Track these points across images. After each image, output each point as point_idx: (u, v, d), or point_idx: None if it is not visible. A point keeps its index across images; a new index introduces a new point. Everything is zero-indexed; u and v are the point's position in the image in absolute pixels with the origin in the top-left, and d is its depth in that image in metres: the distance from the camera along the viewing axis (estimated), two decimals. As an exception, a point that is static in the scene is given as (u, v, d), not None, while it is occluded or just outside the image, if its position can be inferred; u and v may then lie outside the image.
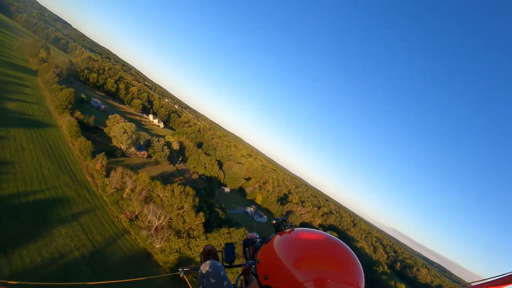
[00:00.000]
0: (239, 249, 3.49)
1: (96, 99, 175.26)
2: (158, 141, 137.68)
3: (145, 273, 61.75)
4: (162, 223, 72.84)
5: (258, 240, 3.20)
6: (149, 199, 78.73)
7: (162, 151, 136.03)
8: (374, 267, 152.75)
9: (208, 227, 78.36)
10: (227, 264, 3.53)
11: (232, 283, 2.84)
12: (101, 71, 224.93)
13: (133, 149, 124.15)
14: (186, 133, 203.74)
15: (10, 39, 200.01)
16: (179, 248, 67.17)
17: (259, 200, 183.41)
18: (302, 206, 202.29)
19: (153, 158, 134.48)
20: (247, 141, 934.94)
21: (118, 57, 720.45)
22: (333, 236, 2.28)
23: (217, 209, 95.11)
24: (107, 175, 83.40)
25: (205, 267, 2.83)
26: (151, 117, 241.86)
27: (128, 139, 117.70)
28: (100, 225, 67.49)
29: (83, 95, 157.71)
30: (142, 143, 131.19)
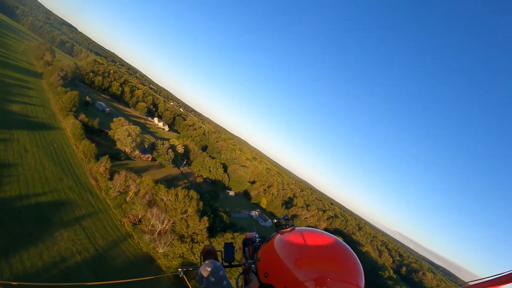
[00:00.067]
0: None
1: (101, 102, 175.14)
2: (163, 144, 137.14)
3: (149, 280, 60.94)
4: (165, 227, 72.06)
5: (257, 239, 3.28)
6: (152, 203, 78.06)
7: (167, 154, 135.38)
8: (380, 272, 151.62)
9: (212, 231, 77.57)
10: (227, 264, 3.51)
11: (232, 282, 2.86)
12: (106, 74, 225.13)
13: (137, 152, 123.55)
14: (191, 136, 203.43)
15: (15, 42, 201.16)
16: (183, 253, 66.24)
17: (263, 203, 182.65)
18: (307, 209, 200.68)
19: (157, 161, 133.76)
20: (252, 144, 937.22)
21: (123, 60, 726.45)
22: (333, 235, 2.29)
23: (221, 213, 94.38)
24: (111, 178, 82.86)
25: (204, 267, 2.82)
26: (156, 120, 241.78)
27: (132, 142, 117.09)
28: (103, 229, 66.80)
29: (88, 98, 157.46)
30: (146, 146, 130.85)
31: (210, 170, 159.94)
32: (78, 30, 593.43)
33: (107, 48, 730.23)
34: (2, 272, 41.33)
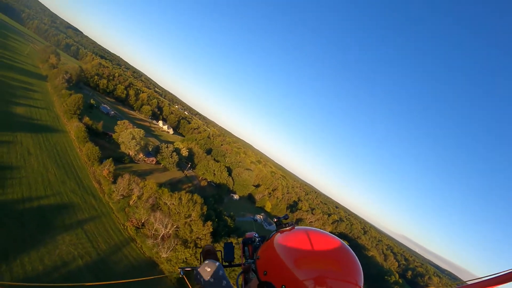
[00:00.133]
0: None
1: (105, 105, 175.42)
2: (167, 147, 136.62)
3: (150, 282, 60.09)
4: (168, 231, 71.15)
5: (257, 239, 3.31)
6: (156, 206, 77.35)
7: (171, 157, 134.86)
8: (386, 277, 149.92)
9: (216, 236, 76.61)
10: (227, 264, 3.53)
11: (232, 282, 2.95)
12: (111, 77, 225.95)
13: (141, 155, 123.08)
14: (196, 140, 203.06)
15: (20, 44, 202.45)
16: (186, 258, 65.25)
17: (268, 207, 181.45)
18: (312, 213, 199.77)
19: (161, 165, 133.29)
20: (256, 148, 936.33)
21: (129, 64, 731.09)
22: (332, 234, 2.30)
23: (225, 217, 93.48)
24: (114, 182, 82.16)
25: (204, 267, 2.89)
26: (160, 123, 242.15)
27: (136, 145, 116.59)
28: (105, 233, 66.06)
29: (92, 101, 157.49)
30: (150, 149, 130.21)
31: (214, 174, 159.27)
32: (84, 33, 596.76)
33: (113, 52, 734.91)
34: (3, 276, 40.85)
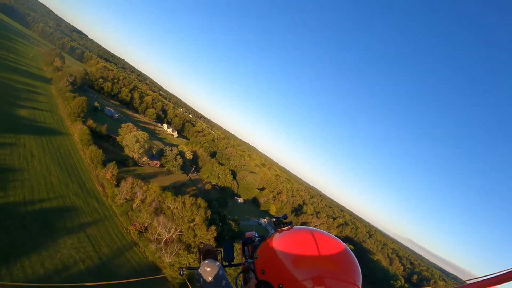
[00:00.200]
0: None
1: (110, 108, 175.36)
2: (171, 150, 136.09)
3: (151, 285, 59.48)
4: (172, 236, 70.35)
5: (257, 239, 3.26)
6: (159, 210, 76.63)
7: (175, 160, 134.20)
8: (391, 282, 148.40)
9: (220, 240, 75.57)
10: (226, 263, 3.45)
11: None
12: (115, 80, 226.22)
13: (145, 158, 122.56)
14: (200, 143, 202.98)
15: (25, 47, 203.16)
16: (189, 263, 64.29)
17: (273, 211, 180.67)
18: (317, 217, 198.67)
19: (165, 168, 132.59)
20: (261, 151, 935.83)
21: (133, 67, 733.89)
22: (330, 234, 2.28)
23: (230, 221, 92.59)
24: (118, 185, 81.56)
25: (203, 267, 2.87)
26: (165, 126, 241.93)
27: (140, 148, 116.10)
28: (108, 237, 65.38)
29: (96, 104, 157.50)
30: (154, 152, 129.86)
31: (219, 177, 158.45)
32: (89, 37, 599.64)
33: (117, 55, 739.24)
34: (3, 279, 40.32)
